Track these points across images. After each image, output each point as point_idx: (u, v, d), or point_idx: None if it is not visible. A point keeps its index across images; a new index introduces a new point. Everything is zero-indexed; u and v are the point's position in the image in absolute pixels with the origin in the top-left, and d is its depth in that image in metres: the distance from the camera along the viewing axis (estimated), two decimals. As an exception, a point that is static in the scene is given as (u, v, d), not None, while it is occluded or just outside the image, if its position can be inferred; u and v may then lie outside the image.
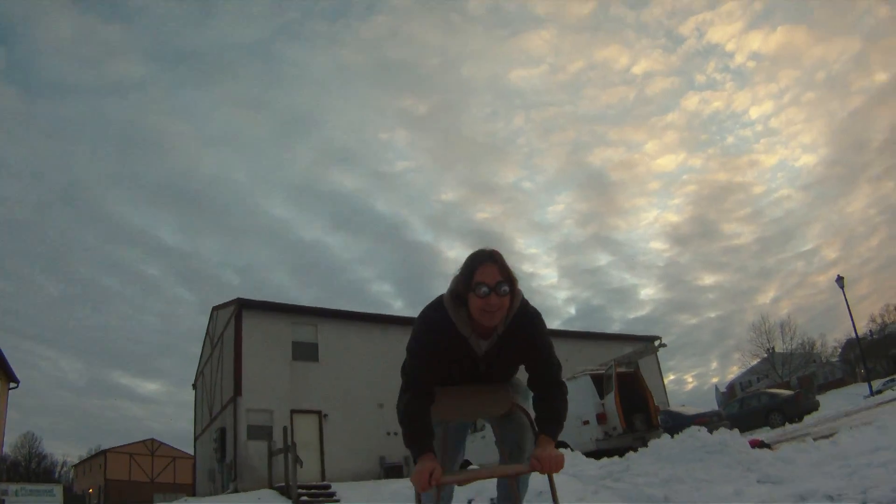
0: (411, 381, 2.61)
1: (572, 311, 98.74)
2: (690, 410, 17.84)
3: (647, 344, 17.98)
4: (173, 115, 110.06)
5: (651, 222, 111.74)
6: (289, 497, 15.15)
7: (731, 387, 62.19)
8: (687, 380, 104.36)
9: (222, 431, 22.20)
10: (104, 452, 64.42)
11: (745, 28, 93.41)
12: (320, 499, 15.17)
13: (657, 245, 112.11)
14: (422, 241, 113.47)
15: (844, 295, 31.29)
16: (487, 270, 2.49)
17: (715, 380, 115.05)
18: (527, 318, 2.63)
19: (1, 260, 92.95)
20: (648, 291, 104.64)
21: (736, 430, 6.54)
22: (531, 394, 2.76)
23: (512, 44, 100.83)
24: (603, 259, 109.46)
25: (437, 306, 2.64)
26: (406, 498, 10.05)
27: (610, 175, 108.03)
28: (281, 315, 23.08)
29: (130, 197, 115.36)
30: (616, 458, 8.08)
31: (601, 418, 12.95)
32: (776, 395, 21.38)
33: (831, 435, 7.37)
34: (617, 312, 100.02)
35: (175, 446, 66.85)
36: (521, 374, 2.98)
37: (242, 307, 22.19)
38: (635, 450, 9.01)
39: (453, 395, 2.72)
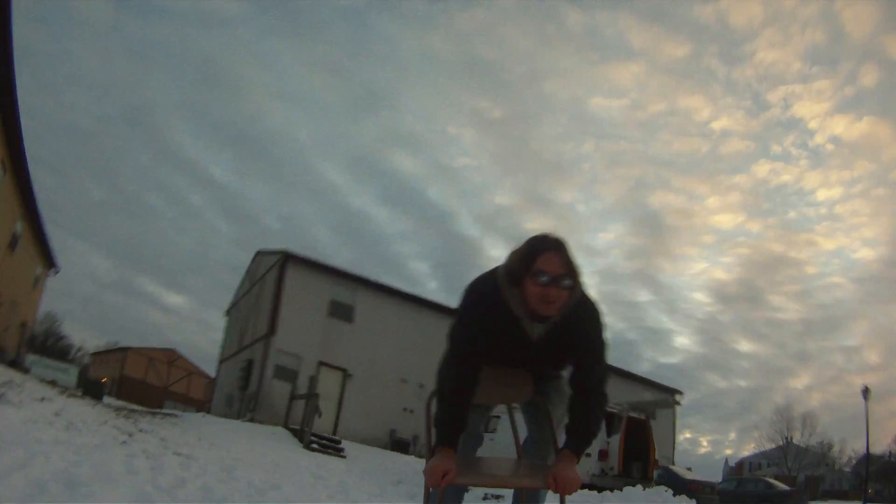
0: (458, 351, 2.54)
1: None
2: (688, 474, 18.63)
3: (667, 397, 18.80)
4: (253, 61, 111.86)
5: (698, 273, 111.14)
6: (301, 440, 16.51)
7: (741, 464, 61.96)
8: (702, 442, 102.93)
9: (250, 363, 23.88)
10: (125, 349, 67.30)
11: (832, 110, 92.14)
12: (329, 451, 16.46)
13: (700, 297, 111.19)
14: (467, 234, 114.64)
15: (866, 408, 31.30)
16: (552, 259, 2.40)
17: (729, 451, 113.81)
18: (586, 310, 2.55)
19: (56, 160, 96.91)
20: (683, 340, 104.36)
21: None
22: (567, 397, 2.68)
23: (600, 70, 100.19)
24: (643, 296, 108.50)
25: (488, 279, 2.57)
26: (413, 472, 11.27)
27: (666, 218, 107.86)
28: (323, 273, 24.69)
29: (192, 129, 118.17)
30: (595, 492, 9.10)
31: (603, 455, 13.95)
32: (772, 485, 21.97)
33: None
34: (648, 352, 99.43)
35: (193, 362, 69.95)
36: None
37: (288, 259, 23.80)
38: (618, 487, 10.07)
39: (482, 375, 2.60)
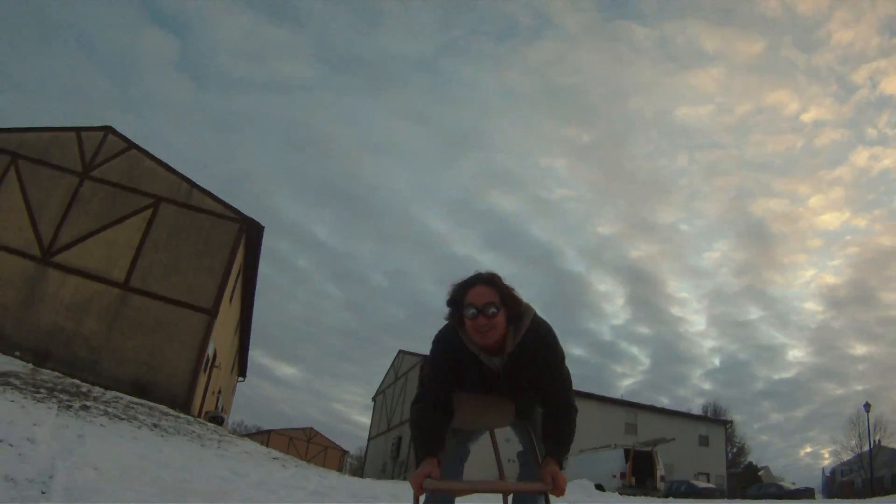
0: (424, 391, 2.97)
1: (716, 362, 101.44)
2: (702, 484, 28.31)
3: (664, 436, 28.54)
4: (337, 119, 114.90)
5: (807, 281, 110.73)
6: (442, 488, 27.33)
7: (833, 472, 66.23)
8: (824, 454, 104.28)
9: (399, 438, 35.13)
10: (268, 432, 79.45)
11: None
12: (461, 492, 27.32)
13: (811, 306, 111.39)
14: (573, 271, 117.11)
15: (868, 421, 37.35)
16: (477, 292, 2.77)
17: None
18: (537, 334, 2.87)
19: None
20: (797, 353, 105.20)
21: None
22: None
23: (679, 79, 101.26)
24: (754, 313, 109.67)
25: (448, 326, 2.95)
26: None
27: (770, 227, 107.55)
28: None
29: (290, 191, 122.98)
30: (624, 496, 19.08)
31: (622, 475, 24.17)
32: (783, 487, 30.62)
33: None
34: (762, 370, 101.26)
35: (328, 437, 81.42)
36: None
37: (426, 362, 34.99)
38: (636, 496, 20.10)
39: (461, 403, 2.95)
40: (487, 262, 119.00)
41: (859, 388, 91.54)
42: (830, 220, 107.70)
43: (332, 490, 9.36)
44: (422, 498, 2.76)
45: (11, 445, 5.95)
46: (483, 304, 2.73)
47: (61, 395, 12.22)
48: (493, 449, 3.46)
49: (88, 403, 12.41)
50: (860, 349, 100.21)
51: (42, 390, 12.06)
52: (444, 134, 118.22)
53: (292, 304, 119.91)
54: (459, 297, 2.82)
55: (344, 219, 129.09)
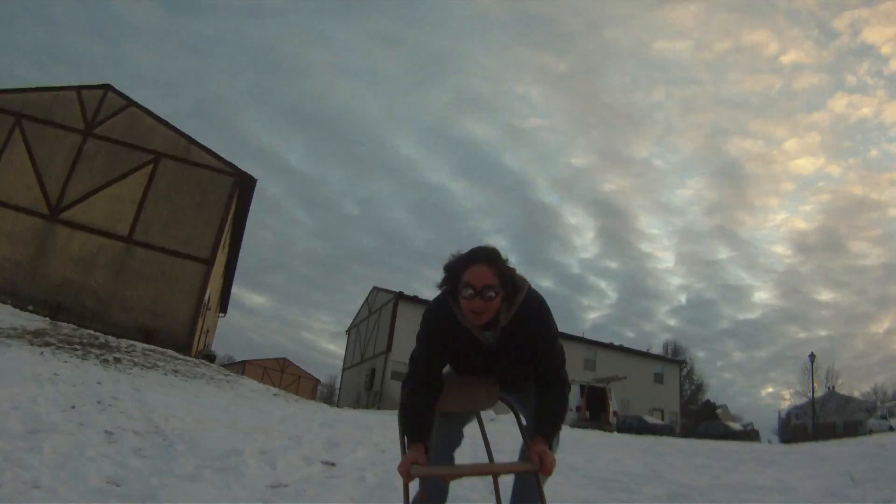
0: (415, 369, 2.85)
1: (683, 299, 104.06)
2: (652, 420, 31.27)
3: (616, 374, 31.38)
4: (310, 42, 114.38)
5: (778, 224, 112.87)
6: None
7: (789, 415, 69.27)
8: (784, 395, 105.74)
9: (373, 371, 37.73)
10: (243, 363, 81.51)
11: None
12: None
13: (780, 249, 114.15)
14: (545, 202, 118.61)
15: (812, 372, 39.47)
16: (476, 272, 2.61)
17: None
18: (529, 308, 2.74)
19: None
20: (762, 295, 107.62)
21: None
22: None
23: (658, 13, 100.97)
24: (723, 253, 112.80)
25: (440, 298, 2.82)
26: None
27: (745, 167, 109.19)
28: (424, 306, 38.37)
29: (261, 115, 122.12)
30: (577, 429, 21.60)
31: (578, 409, 26.92)
32: (730, 427, 33.34)
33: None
34: (727, 310, 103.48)
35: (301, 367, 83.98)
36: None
37: (399, 299, 37.22)
38: (588, 429, 22.64)
39: (446, 385, 2.87)
40: (459, 189, 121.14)
41: (822, 333, 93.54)
42: (805, 164, 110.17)
43: (336, 421, 11.17)
44: (412, 485, 2.65)
45: (110, 405, 7.87)
46: (482, 287, 2.59)
47: (93, 350, 14.29)
48: (481, 431, 3.35)
49: (118, 356, 14.52)
50: (826, 295, 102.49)
51: (76, 346, 14.12)
52: (418, 58, 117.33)
53: (262, 232, 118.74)
54: (457, 272, 2.69)
55: (315, 144, 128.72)
